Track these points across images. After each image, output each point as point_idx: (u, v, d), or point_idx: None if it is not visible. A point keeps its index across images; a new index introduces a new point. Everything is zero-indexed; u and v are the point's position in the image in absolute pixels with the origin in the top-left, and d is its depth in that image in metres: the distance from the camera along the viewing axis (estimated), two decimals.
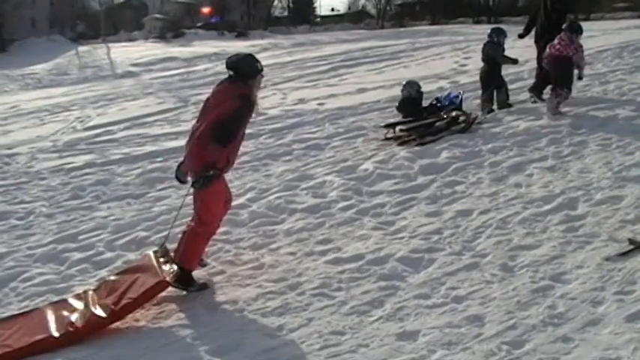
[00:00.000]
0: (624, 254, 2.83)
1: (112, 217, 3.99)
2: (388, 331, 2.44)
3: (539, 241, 3.13)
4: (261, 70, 2.95)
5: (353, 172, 4.45)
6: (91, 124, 7.47)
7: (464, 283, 2.77)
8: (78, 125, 7.48)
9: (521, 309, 2.53)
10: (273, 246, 3.37)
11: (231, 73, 2.91)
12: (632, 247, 2.88)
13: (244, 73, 2.89)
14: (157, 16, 34.08)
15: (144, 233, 3.65)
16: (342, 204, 3.87)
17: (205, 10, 34.39)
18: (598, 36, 10.77)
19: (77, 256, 3.42)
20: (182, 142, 3.55)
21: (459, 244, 3.16)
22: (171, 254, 2.98)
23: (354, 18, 36.26)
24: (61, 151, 6.09)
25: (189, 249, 2.91)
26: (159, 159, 5.40)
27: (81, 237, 3.68)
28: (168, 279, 2.81)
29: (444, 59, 10.53)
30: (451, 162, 4.47)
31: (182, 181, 3.03)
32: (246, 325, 2.60)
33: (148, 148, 5.86)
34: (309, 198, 4.03)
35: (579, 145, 4.60)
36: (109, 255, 3.42)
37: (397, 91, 6.10)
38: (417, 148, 4.84)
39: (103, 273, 3.19)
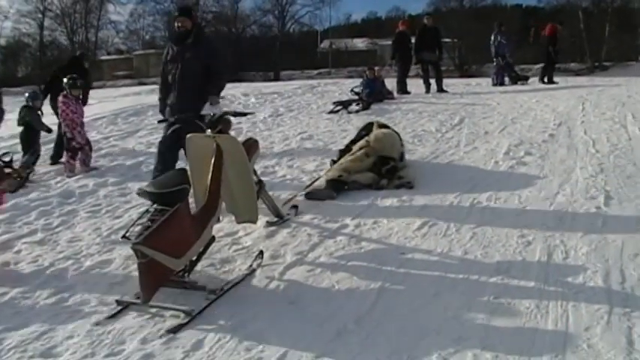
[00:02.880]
0: (113, 316, 3.41)
1: None
2: None
3: (28, 319, 3.37)
4: None
5: None
6: None
7: None
8: None
9: None
10: None
11: None
12: (120, 307, 3.53)
13: None
14: None
15: None
16: None
17: None
18: (94, 104, 12.25)
19: None
20: None
21: None
22: None
23: None
24: None
25: None
26: None
27: None
28: None
29: None
30: None
31: None
32: None
33: None
34: None
35: (69, 214, 5.19)
36: None
37: None
38: None
39: None
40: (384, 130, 6.29)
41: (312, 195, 5.29)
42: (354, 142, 6.25)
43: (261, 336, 3.09)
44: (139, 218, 3.48)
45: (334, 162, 5.95)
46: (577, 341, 2.89)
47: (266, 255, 4.08)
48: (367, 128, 6.43)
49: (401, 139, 6.33)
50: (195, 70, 5.13)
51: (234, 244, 4.36)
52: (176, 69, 5.21)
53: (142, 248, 3.24)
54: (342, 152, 6.08)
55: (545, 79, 14.21)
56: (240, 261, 4.05)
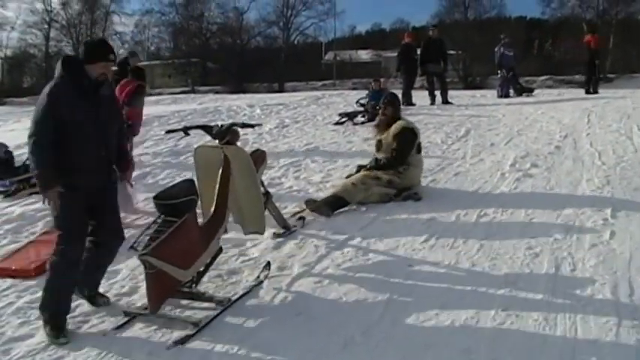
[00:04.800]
0: (120, 327, 3.41)
1: None
2: None
3: (35, 329, 3.39)
4: None
5: None
6: None
7: None
8: None
9: None
10: None
11: None
12: (127, 318, 3.54)
13: None
14: None
15: None
16: None
17: None
18: None
19: None
20: None
21: None
22: None
23: None
24: None
25: None
26: None
27: None
28: None
29: None
30: None
31: None
32: None
33: None
34: None
35: None
36: None
37: None
38: None
39: None
40: (420, 167, 5.81)
41: (310, 205, 5.27)
42: (385, 164, 5.66)
43: (269, 347, 3.10)
44: (147, 229, 3.48)
45: (359, 169, 5.82)
46: (586, 354, 2.89)
47: (273, 266, 4.09)
48: (406, 140, 5.65)
49: None
50: (113, 125, 3.70)
51: (241, 255, 4.38)
52: (94, 127, 3.49)
53: (150, 259, 3.26)
54: (370, 168, 5.74)
55: (591, 90, 14.19)
56: (248, 272, 4.07)
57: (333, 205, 5.25)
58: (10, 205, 5.87)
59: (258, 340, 3.19)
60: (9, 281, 4.12)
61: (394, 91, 12.45)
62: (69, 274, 3.44)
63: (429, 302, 3.49)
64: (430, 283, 3.77)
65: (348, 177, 5.80)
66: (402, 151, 5.60)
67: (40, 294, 3.80)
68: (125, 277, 4.11)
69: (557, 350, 2.94)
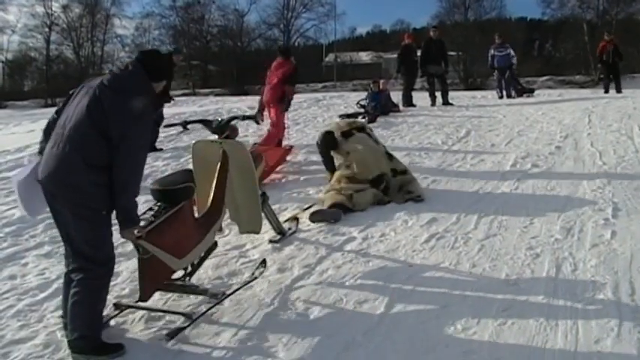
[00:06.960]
0: (111, 319, 3.41)
1: None
2: None
3: (35, 332, 3.38)
4: None
5: None
6: None
7: None
8: None
9: None
10: None
11: None
12: (117, 311, 3.49)
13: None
14: None
15: None
16: None
17: None
18: None
19: None
20: None
21: None
22: None
23: None
24: None
25: None
26: None
27: None
28: None
29: None
30: None
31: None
32: None
33: None
34: None
35: None
36: None
37: None
38: None
39: None
40: (360, 149, 5.67)
41: (317, 217, 5.07)
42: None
43: (268, 349, 3.09)
44: (142, 214, 3.37)
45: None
46: (587, 354, 2.88)
47: (273, 268, 4.08)
48: (321, 148, 6.00)
49: (379, 143, 6.06)
50: None
51: (241, 256, 4.37)
52: None
53: (144, 243, 3.20)
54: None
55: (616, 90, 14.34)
56: (248, 273, 4.05)
57: (337, 214, 5.11)
58: (10, 208, 5.85)
59: (258, 342, 3.18)
60: (9, 284, 4.11)
61: (394, 92, 12.53)
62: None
63: (429, 303, 3.48)
64: (431, 284, 3.75)
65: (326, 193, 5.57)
66: (322, 154, 6.04)
67: (40, 297, 3.85)
68: (125, 280, 4.09)
69: (559, 351, 2.93)
